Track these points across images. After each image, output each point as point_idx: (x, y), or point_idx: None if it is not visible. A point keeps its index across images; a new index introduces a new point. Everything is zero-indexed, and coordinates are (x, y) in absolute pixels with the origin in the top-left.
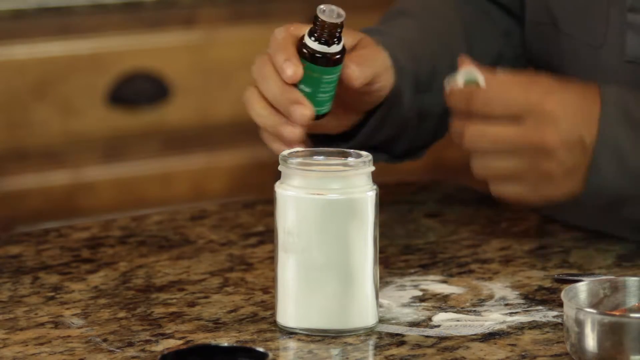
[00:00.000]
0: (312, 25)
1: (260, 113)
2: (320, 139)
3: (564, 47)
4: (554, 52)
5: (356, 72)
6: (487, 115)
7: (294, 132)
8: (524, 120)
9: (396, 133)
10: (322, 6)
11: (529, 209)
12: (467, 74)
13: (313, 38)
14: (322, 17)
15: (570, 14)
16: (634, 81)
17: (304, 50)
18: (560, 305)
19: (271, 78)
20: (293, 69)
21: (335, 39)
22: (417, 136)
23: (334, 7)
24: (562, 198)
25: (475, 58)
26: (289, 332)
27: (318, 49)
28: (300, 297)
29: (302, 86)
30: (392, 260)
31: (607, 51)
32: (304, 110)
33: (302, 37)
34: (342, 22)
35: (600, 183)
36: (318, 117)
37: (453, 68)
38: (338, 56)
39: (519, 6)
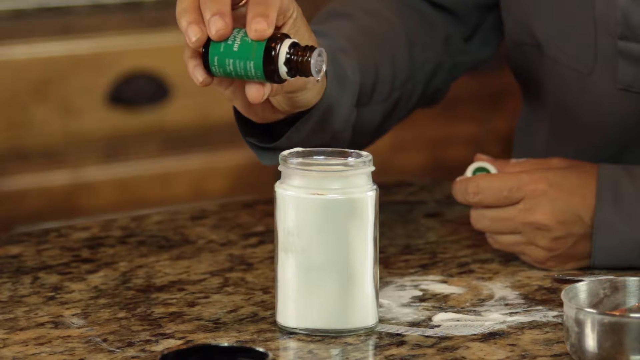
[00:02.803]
0: (295, 48)
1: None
2: (248, 128)
3: (551, 70)
4: (540, 73)
5: (255, 94)
6: (481, 203)
7: (197, 72)
8: (518, 204)
9: (326, 144)
10: (320, 52)
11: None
12: (478, 165)
13: (289, 56)
14: (311, 59)
15: (555, 39)
16: (626, 108)
17: (272, 51)
18: (560, 305)
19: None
20: (219, 28)
21: (296, 75)
22: (363, 127)
23: (324, 61)
24: (572, 267)
25: (416, 66)
26: (289, 332)
27: (279, 68)
28: (300, 297)
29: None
30: (392, 260)
31: (598, 78)
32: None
33: (278, 39)
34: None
35: (608, 265)
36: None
37: (394, 78)
38: (278, 80)
39: (464, 6)
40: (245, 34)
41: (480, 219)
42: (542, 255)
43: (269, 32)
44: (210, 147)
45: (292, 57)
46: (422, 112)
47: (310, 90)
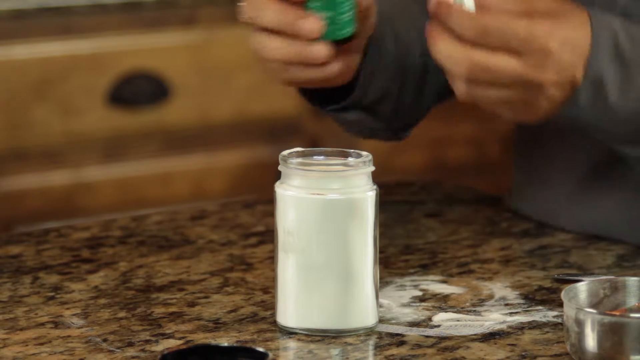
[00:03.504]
0: None
1: (275, 46)
2: (316, 97)
3: None
4: None
5: None
6: (486, 45)
7: (320, 49)
8: (524, 56)
9: (384, 90)
10: None
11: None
12: None
13: None
14: None
15: None
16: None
17: None
18: (560, 305)
19: (269, 6)
20: None
21: None
22: (401, 102)
23: None
24: (535, 122)
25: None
26: (289, 332)
27: None
28: (300, 297)
29: (317, 8)
30: (392, 260)
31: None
32: (312, 24)
33: None
34: None
35: (575, 113)
36: (344, 40)
37: (420, 39)
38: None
39: None
40: None
41: (483, 69)
42: (525, 111)
43: None
44: (210, 147)
45: None
46: None
47: (372, 10)
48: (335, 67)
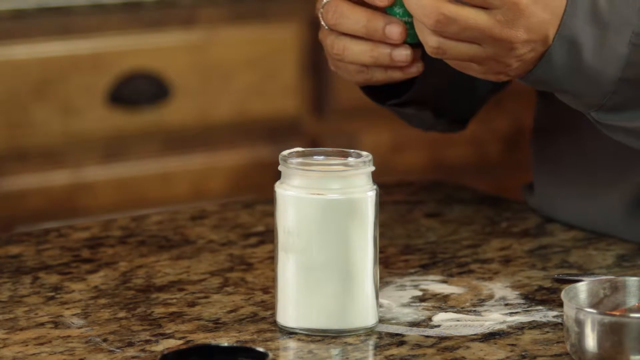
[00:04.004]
0: None
1: (359, 50)
2: (376, 93)
3: None
4: None
5: None
6: None
7: (404, 53)
8: (495, 11)
9: (440, 84)
10: None
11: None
12: None
13: None
14: None
15: None
16: None
17: None
18: (560, 305)
19: (353, 13)
20: None
21: None
22: (458, 94)
23: None
24: (506, 79)
25: None
26: (289, 332)
27: None
28: (300, 297)
29: (400, 14)
30: (392, 260)
31: None
32: (398, 29)
33: None
34: None
35: (548, 73)
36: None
37: None
38: None
39: None
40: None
41: (450, 22)
42: (495, 69)
43: None
44: (210, 147)
45: None
46: None
47: None
48: (414, 69)
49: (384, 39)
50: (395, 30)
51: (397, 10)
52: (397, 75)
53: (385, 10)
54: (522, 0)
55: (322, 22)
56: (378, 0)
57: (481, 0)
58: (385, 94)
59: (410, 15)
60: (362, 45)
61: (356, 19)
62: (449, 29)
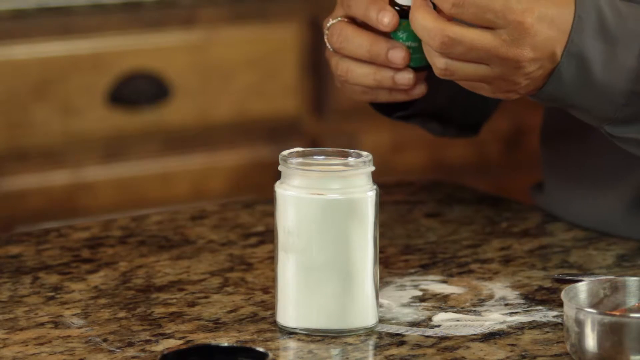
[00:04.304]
0: None
1: (363, 73)
2: (383, 106)
3: None
4: None
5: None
6: (461, 18)
7: (407, 76)
8: (500, 31)
9: (445, 99)
10: None
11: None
12: None
13: None
14: None
15: None
16: None
17: (396, 8)
18: (560, 305)
19: (357, 36)
20: (390, 17)
21: None
22: (469, 104)
23: None
24: (517, 97)
25: None
26: (289, 332)
27: (405, 2)
28: (300, 297)
29: (403, 38)
30: (392, 260)
31: None
32: (401, 54)
33: None
34: None
35: (558, 89)
36: (426, 66)
37: None
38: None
39: None
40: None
41: (454, 44)
42: (505, 88)
43: None
44: (210, 147)
45: None
46: None
47: None
48: (418, 91)
49: (387, 63)
50: (398, 55)
51: (401, 35)
52: (400, 97)
53: (389, 35)
54: (527, 19)
55: (327, 44)
56: (381, 25)
57: (486, 20)
58: (392, 106)
59: (414, 40)
60: (365, 69)
61: (360, 42)
62: (454, 50)
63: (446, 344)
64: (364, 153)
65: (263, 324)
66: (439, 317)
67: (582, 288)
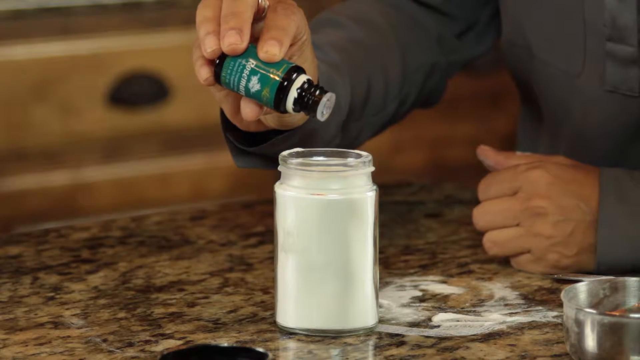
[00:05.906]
0: (308, 86)
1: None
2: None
3: (540, 72)
4: (530, 75)
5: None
6: (487, 197)
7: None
8: (518, 192)
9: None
10: (330, 97)
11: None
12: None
13: (300, 92)
14: (320, 102)
15: (545, 41)
16: (613, 109)
17: (285, 82)
18: (560, 305)
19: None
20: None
21: (300, 111)
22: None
23: (331, 106)
24: (573, 264)
25: (410, 72)
26: (289, 332)
27: (288, 102)
28: (300, 297)
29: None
30: (392, 260)
31: (586, 79)
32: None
33: (295, 71)
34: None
35: (613, 262)
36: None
37: (386, 88)
38: (282, 110)
39: (455, 4)
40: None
41: (482, 215)
42: (543, 245)
43: (279, 57)
44: (210, 147)
45: (303, 94)
46: (422, 112)
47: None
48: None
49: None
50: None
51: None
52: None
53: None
54: (537, 173)
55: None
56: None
57: (506, 190)
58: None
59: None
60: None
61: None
62: (484, 219)
63: (446, 344)
64: (364, 153)
65: (263, 324)
66: (439, 318)
67: (582, 288)
